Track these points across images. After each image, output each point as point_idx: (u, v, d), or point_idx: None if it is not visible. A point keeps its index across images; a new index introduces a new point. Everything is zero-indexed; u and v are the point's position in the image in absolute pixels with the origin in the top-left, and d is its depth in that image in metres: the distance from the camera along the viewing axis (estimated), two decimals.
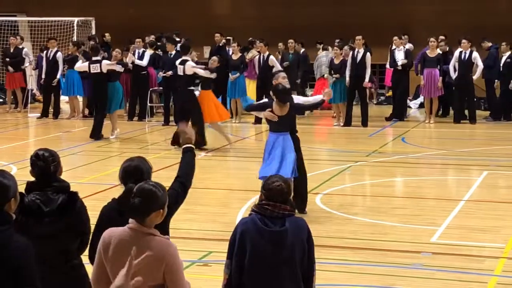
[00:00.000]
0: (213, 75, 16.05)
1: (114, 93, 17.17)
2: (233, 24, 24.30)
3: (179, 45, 19.32)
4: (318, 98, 10.95)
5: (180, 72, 15.91)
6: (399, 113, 19.93)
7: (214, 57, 17.52)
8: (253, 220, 4.95)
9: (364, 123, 18.91)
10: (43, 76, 20.96)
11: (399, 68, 19.83)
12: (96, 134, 16.98)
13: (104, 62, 17.15)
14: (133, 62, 19.65)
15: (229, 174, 13.89)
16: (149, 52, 20.16)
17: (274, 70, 19.20)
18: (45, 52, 21.03)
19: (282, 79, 10.79)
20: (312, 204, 11.11)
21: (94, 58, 17.31)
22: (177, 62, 16.27)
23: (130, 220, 4.42)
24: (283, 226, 4.92)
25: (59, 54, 20.65)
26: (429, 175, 13.40)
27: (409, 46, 21.28)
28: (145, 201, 4.35)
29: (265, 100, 11.15)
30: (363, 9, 24.11)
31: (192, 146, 5.65)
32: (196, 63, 17.07)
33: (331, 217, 10.55)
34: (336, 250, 9.03)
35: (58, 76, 20.63)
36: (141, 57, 19.90)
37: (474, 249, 9.04)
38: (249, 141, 17.84)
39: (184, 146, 5.67)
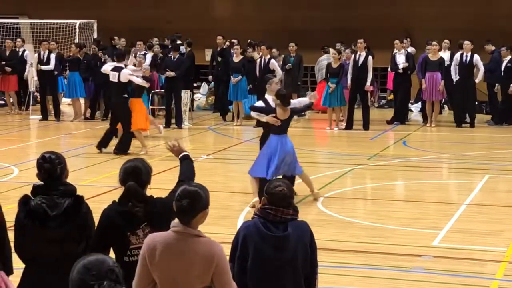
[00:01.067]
0: (147, 84, 15.95)
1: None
2: (234, 27, 24.32)
3: (182, 47, 19.38)
4: (306, 101, 11.42)
5: (114, 79, 15.45)
6: (400, 117, 19.94)
7: (146, 66, 17.38)
8: (255, 224, 4.96)
9: (366, 127, 18.92)
10: (35, 79, 20.91)
11: (400, 71, 19.83)
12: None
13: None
14: (134, 65, 19.65)
15: (231, 177, 13.89)
16: (150, 55, 20.18)
17: (276, 73, 19.26)
18: (37, 54, 20.96)
19: (275, 85, 11.18)
20: (313, 207, 11.13)
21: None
22: (110, 68, 15.70)
23: (174, 223, 4.45)
24: (286, 231, 4.92)
25: (52, 56, 20.61)
26: (431, 178, 13.40)
27: (411, 49, 21.29)
28: (191, 203, 4.40)
29: (261, 103, 11.30)
30: (365, 12, 24.13)
31: (188, 153, 5.72)
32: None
33: (332, 220, 10.56)
34: (338, 253, 9.03)
35: (43, 67, 20.40)
36: None
37: (475, 253, 9.04)
38: (250, 144, 17.83)
39: (180, 155, 5.75)
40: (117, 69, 15.51)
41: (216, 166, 14.59)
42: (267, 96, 11.39)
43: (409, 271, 8.34)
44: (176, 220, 4.46)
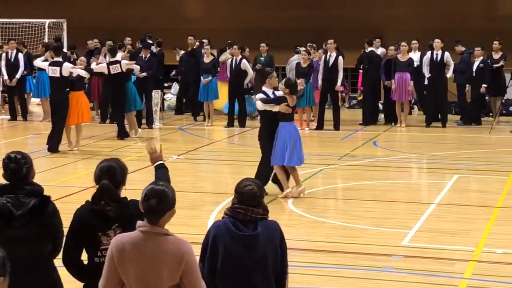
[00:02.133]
0: (87, 75, 16.34)
1: (130, 92, 17.65)
2: (207, 27, 24.29)
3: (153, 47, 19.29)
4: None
5: (55, 74, 15.49)
6: (370, 117, 19.99)
7: (82, 57, 17.52)
8: (225, 224, 4.95)
9: (336, 127, 18.98)
10: (5, 78, 20.71)
11: (364, 71, 19.84)
12: (124, 133, 17.34)
13: (124, 61, 17.28)
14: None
15: (201, 177, 13.87)
16: (120, 54, 20.05)
17: (249, 72, 19.29)
18: (4, 54, 20.76)
19: (275, 79, 11.81)
20: (284, 207, 11.14)
21: (112, 59, 17.31)
22: (47, 64, 15.91)
23: (141, 223, 4.44)
24: (255, 230, 4.92)
25: (20, 55, 20.44)
26: (400, 178, 13.48)
27: (381, 50, 21.39)
28: (159, 202, 4.40)
29: (263, 96, 11.65)
30: (337, 12, 24.21)
31: (163, 161, 5.71)
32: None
33: (303, 220, 10.58)
34: (308, 253, 9.05)
35: (18, 76, 20.31)
36: None
37: (444, 252, 9.10)
38: (221, 144, 17.83)
39: (156, 163, 5.74)
40: (58, 64, 15.57)
41: (187, 166, 14.56)
42: (265, 89, 11.74)
43: (379, 270, 8.38)
44: (143, 220, 4.45)
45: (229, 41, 21.27)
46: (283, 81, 11.73)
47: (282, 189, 11.78)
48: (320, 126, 19.05)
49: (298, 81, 12.47)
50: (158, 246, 4.36)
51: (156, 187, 4.48)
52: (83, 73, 15.84)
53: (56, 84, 15.55)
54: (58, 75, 15.41)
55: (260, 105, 11.65)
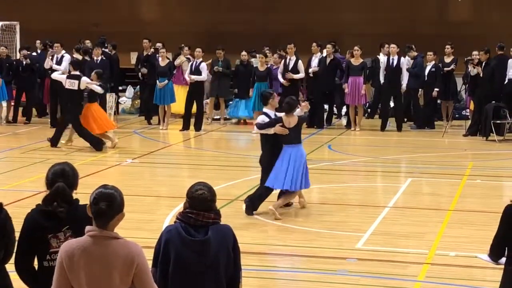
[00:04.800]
0: (101, 91, 16.65)
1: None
2: (162, 30, 24.22)
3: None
4: (300, 112, 11.31)
5: (72, 87, 16.08)
6: (317, 121, 19.89)
7: (93, 74, 17.43)
8: (177, 229, 4.93)
9: None
10: None
11: (311, 75, 19.89)
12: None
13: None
14: (51, 67, 19.41)
15: (157, 181, 13.81)
16: (68, 57, 19.87)
17: (203, 76, 19.24)
18: None
19: (276, 100, 11.26)
20: (239, 211, 11.14)
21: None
22: (64, 76, 16.47)
23: (89, 227, 4.42)
24: (207, 235, 4.91)
25: None
26: (355, 182, 13.56)
27: (336, 55, 21.48)
28: (109, 205, 4.38)
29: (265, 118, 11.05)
30: (292, 16, 24.31)
31: None
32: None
33: (258, 223, 10.59)
34: (264, 256, 9.07)
35: None
36: (59, 62, 19.59)
37: (398, 255, 9.18)
38: (176, 147, 17.78)
39: None
40: (75, 77, 16.18)
41: (142, 170, 14.48)
42: (267, 110, 11.15)
43: (334, 274, 8.42)
44: (91, 225, 4.42)
45: (182, 45, 21.23)
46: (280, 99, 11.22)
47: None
48: None
49: (303, 103, 11.77)
50: (108, 250, 4.34)
51: (105, 191, 4.46)
52: (98, 90, 16.32)
53: (71, 96, 16.16)
54: (76, 88, 16.09)
55: (256, 131, 11.19)
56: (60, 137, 16.45)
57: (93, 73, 16.88)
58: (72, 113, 16.18)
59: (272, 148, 11.05)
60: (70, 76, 16.27)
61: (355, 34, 23.01)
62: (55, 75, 17.27)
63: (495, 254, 5.32)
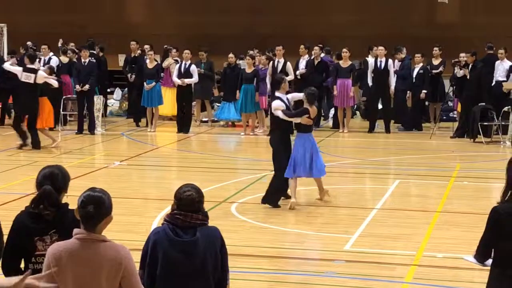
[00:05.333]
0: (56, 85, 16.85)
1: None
2: (150, 32, 24.20)
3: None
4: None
5: (29, 80, 16.12)
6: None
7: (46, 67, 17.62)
8: (165, 230, 4.94)
9: None
10: None
11: (298, 77, 19.92)
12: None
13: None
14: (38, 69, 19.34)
15: (145, 184, 13.79)
16: (55, 60, 19.81)
17: (194, 78, 19.23)
18: None
19: (287, 83, 11.88)
20: (228, 212, 11.15)
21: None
22: (21, 69, 16.41)
23: (77, 230, 4.41)
24: (194, 236, 4.92)
25: None
26: (343, 183, 13.58)
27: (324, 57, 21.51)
28: (97, 208, 4.38)
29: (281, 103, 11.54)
30: (281, 18, 24.33)
31: None
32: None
33: (246, 225, 10.59)
34: (252, 258, 9.07)
35: None
36: (46, 64, 19.51)
37: (386, 256, 9.20)
38: (164, 150, 17.77)
39: None
40: (32, 71, 16.09)
41: (130, 172, 14.46)
42: (279, 94, 11.62)
43: (321, 275, 8.44)
44: (79, 228, 4.42)
45: (166, 46, 21.18)
46: (304, 92, 11.71)
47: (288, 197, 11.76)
48: None
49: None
50: (95, 253, 4.34)
51: (93, 194, 4.46)
52: (55, 84, 16.45)
53: (27, 89, 16.06)
54: (32, 81, 16.00)
55: (281, 116, 11.46)
56: (37, 137, 16.36)
57: (45, 68, 17.01)
58: (29, 106, 16.14)
59: (281, 134, 11.62)
60: (26, 69, 16.21)
61: (343, 36, 23.05)
62: (7, 66, 17.18)
63: (481, 255, 5.35)
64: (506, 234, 5.12)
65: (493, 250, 5.27)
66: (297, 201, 11.62)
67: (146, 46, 20.90)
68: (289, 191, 11.73)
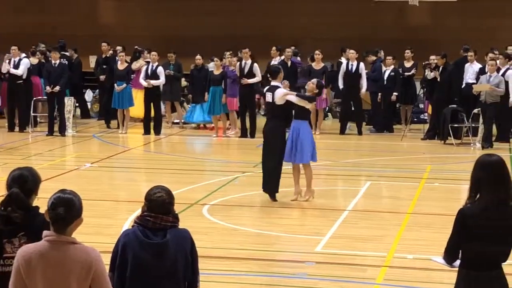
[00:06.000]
0: None
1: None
2: (121, 33, 24.09)
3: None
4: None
5: None
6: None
7: None
8: (135, 232, 4.91)
9: (252, 134, 19.02)
10: None
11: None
12: None
13: None
14: (8, 71, 19.21)
15: (116, 186, 13.72)
16: (26, 61, 19.66)
17: (161, 80, 19.17)
18: None
19: (282, 74, 12.36)
20: (199, 214, 11.12)
21: None
22: None
23: (47, 232, 4.38)
24: (165, 238, 4.89)
25: None
26: (315, 185, 13.55)
27: (296, 58, 21.54)
28: (67, 210, 4.35)
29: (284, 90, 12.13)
30: (253, 21, 24.32)
31: None
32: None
33: (218, 227, 10.57)
34: (223, 260, 9.05)
35: None
36: (16, 66, 19.38)
37: (357, 258, 9.22)
38: (136, 151, 17.69)
39: None
40: None
41: (101, 174, 14.38)
42: (276, 83, 12.07)
43: (292, 277, 8.44)
44: (48, 230, 4.38)
45: (136, 47, 21.10)
46: (314, 80, 12.37)
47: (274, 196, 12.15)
48: (244, 134, 18.99)
49: (286, 82, 13.30)
50: (65, 255, 4.31)
51: (63, 196, 4.43)
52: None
53: None
54: None
55: (295, 100, 11.86)
56: None
57: None
58: None
59: (281, 119, 12.02)
60: None
61: (316, 38, 23.09)
62: None
63: (449, 257, 5.37)
64: (472, 236, 5.15)
65: (460, 251, 5.29)
66: (300, 189, 12.17)
67: (118, 47, 20.81)
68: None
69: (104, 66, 20.88)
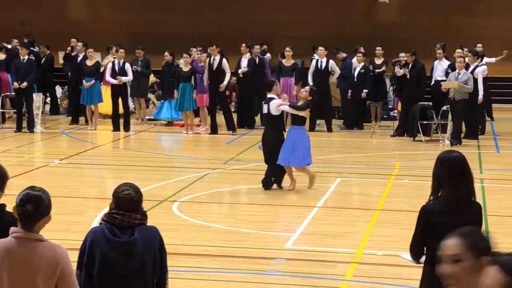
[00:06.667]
0: None
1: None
2: (90, 29, 23.94)
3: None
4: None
5: None
6: (247, 121, 19.97)
7: None
8: (102, 230, 4.87)
9: (232, 128, 18.93)
10: None
11: (241, 76, 19.93)
12: None
13: None
14: None
15: (84, 182, 13.62)
16: None
17: (129, 76, 19.06)
18: None
19: (278, 86, 13.12)
20: (169, 211, 11.07)
21: None
22: None
23: (14, 229, 4.34)
24: (133, 236, 4.85)
25: None
26: (285, 182, 13.56)
27: (268, 56, 21.54)
28: (36, 207, 4.31)
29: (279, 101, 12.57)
30: (223, 18, 24.29)
31: None
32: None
33: (187, 224, 10.54)
34: (193, 257, 9.02)
35: None
36: None
37: (327, 254, 9.24)
38: (105, 148, 17.59)
39: None
40: None
41: (69, 171, 14.27)
42: (272, 95, 12.55)
43: (262, 274, 8.43)
44: (16, 226, 4.34)
45: (108, 46, 20.99)
46: (307, 88, 12.86)
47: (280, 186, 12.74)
48: (214, 130, 18.93)
49: (285, 95, 13.65)
50: (32, 252, 4.27)
51: (32, 192, 4.39)
52: None
53: None
54: None
55: (289, 110, 12.50)
56: None
57: None
58: None
59: (276, 129, 12.58)
60: None
61: (287, 36, 23.11)
62: None
63: (414, 253, 5.40)
64: (436, 232, 5.17)
65: (425, 248, 5.32)
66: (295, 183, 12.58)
67: (78, 44, 20.64)
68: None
69: (72, 63, 20.72)
